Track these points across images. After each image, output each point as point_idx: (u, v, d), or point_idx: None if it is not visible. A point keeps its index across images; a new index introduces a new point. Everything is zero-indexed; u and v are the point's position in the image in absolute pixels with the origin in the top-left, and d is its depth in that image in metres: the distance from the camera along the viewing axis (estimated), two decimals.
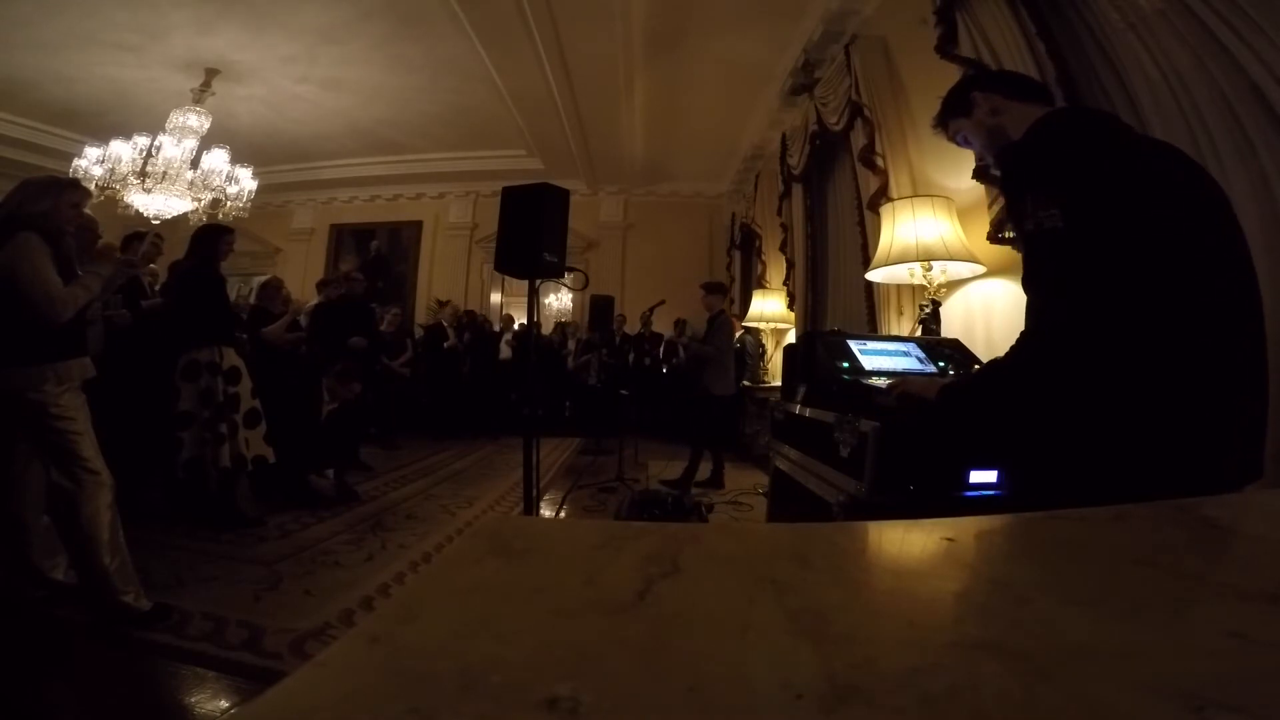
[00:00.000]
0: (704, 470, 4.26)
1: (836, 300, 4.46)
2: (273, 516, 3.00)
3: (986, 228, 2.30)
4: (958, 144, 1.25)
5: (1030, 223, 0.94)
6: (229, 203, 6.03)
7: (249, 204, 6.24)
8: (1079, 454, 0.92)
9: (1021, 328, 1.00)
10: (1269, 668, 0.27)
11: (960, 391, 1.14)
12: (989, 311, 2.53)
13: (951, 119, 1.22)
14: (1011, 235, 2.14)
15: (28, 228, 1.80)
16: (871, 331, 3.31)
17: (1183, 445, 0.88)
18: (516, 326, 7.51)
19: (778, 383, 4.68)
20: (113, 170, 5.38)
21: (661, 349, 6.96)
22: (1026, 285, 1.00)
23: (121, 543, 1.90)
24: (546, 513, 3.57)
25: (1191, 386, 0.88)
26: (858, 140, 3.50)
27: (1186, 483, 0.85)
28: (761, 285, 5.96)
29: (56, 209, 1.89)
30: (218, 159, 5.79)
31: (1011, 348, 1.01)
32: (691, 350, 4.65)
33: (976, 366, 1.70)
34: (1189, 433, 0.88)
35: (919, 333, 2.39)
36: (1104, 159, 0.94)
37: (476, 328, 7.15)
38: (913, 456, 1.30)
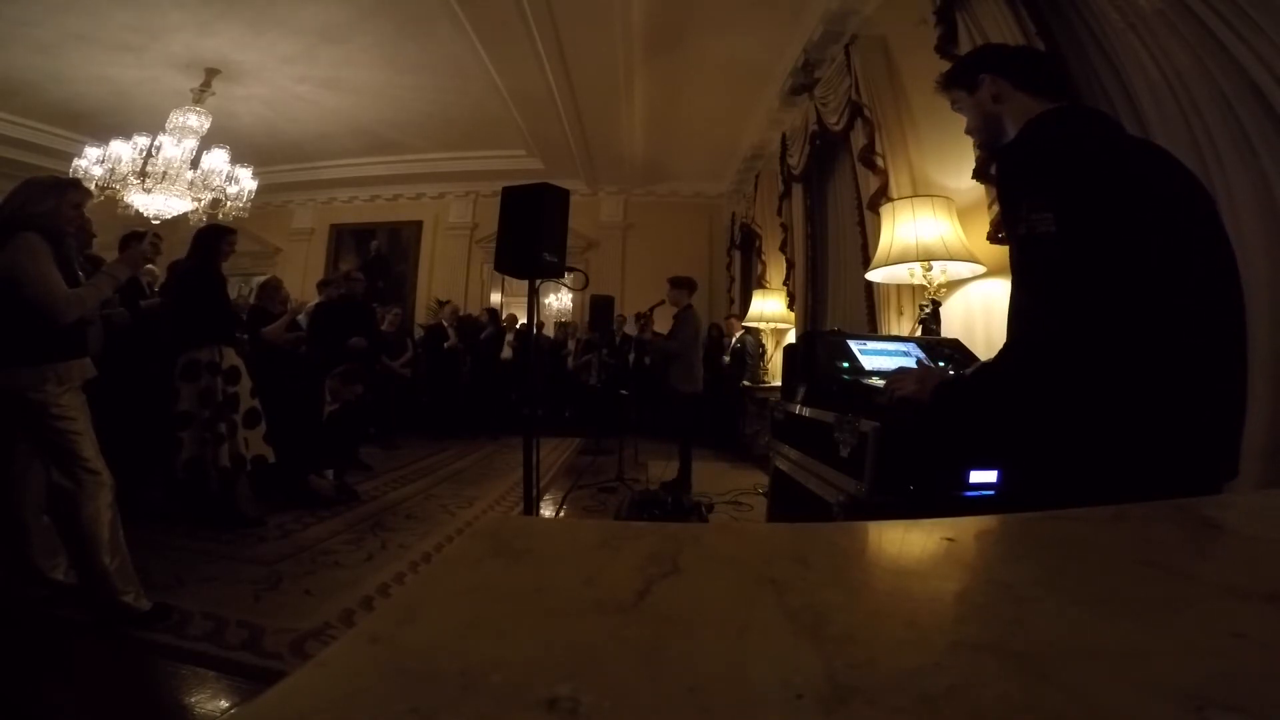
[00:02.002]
0: (670, 469, 4.23)
1: (836, 300, 4.46)
2: (273, 516, 3.00)
3: (986, 228, 2.31)
4: (953, 109, 1.24)
5: (1023, 226, 0.94)
6: (229, 203, 6.03)
7: (249, 204, 6.23)
8: (1070, 455, 0.93)
9: None
10: (1269, 668, 0.27)
11: (954, 394, 1.14)
12: (989, 311, 2.53)
13: (954, 87, 1.21)
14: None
15: (29, 228, 1.80)
16: (871, 331, 3.31)
17: (1170, 446, 0.89)
18: (518, 326, 7.52)
19: (778, 383, 4.68)
20: (113, 170, 5.37)
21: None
22: (1016, 287, 1.00)
23: (121, 543, 1.90)
24: (546, 513, 3.56)
25: (1181, 388, 0.89)
26: (858, 140, 3.50)
27: (1174, 483, 0.86)
28: (761, 285, 5.97)
29: (59, 209, 1.89)
30: (218, 159, 5.79)
31: (1001, 350, 1.01)
32: (656, 346, 4.59)
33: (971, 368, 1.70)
34: (1176, 434, 0.89)
35: (919, 333, 2.39)
36: (1097, 161, 0.94)
37: (496, 322, 7.17)
38: (913, 456, 1.30)
